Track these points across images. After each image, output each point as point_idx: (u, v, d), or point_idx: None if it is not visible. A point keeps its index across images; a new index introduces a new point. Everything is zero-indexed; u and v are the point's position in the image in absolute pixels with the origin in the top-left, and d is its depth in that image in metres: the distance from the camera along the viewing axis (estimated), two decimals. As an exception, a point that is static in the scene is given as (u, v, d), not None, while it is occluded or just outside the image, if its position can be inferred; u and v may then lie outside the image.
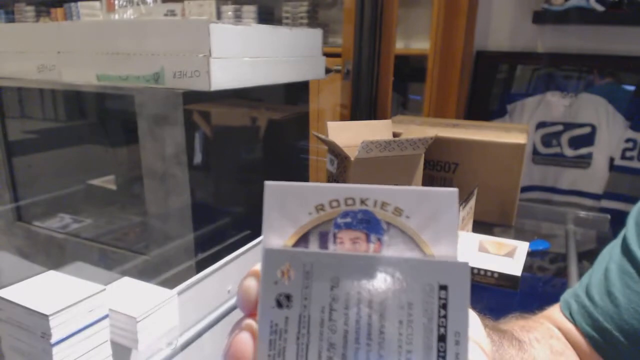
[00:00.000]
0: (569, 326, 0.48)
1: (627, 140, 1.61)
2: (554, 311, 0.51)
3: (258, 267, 0.21)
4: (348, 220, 0.21)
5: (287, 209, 0.21)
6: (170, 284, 0.70)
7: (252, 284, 0.21)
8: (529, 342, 0.42)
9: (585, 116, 1.67)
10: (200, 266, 0.88)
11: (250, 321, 0.21)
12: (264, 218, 0.21)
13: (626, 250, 0.46)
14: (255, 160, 1.13)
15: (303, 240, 0.21)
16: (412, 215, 0.21)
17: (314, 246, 0.21)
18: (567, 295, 0.51)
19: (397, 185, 0.21)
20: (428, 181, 1.15)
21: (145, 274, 1.00)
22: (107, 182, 1.15)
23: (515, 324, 0.48)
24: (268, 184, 0.21)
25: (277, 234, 0.21)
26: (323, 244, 0.21)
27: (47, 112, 1.21)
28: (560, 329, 0.49)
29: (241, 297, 0.22)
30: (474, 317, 0.26)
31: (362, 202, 0.21)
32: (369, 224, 0.21)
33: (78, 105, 1.18)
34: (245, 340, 0.21)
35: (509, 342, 0.37)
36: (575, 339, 0.48)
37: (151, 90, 0.90)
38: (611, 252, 0.49)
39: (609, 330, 0.45)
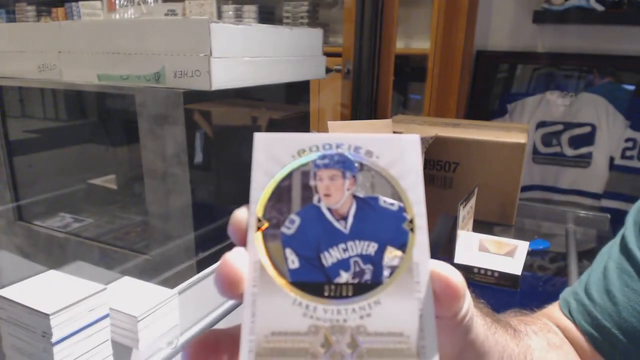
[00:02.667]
0: (568, 324, 0.49)
1: (627, 140, 1.61)
2: (553, 309, 0.52)
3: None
4: (326, 161, 0.23)
5: (273, 153, 0.23)
6: (170, 283, 0.70)
7: (243, 214, 0.23)
8: (525, 333, 0.43)
9: (585, 116, 1.67)
10: (201, 265, 0.88)
11: (241, 248, 0.22)
12: (253, 161, 0.23)
13: (625, 249, 0.47)
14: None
15: (287, 177, 0.23)
16: (381, 156, 0.24)
17: (296, 183, 0.23)
18: (566, 294, 0.51)
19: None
20: (429, 180, 1.15)
21: (146, 273, 1.00)
22: (107, 181, 1.15)
23: (513, 318, 0.48)
24: (257, 134, 0.24)
25: (265, 173, 0.23)
26: (305, 180, 0.23)
27: (47, 112, 1.21)
28: (559, 327, 0.49)
29: (232, 225, 0.23)
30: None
31: (338, 147, 0.24)
32: (344, 164, 0.23)
33: (79, 105, 1.18)
34: (236, 255, 0.21)
35: (504, 329, 0.37)
36: (574, 337, 0.48)
37: (152, 89, 0.90)
38: (610, 251, 0.49)
39: (607, 329, 0.45)
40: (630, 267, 0.45)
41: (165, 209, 0.94)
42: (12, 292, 0.56)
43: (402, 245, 0.22)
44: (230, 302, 0.80)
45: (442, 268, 0.22)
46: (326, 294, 0.21)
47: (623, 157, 1.62)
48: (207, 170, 0.97)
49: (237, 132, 1.08)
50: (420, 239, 0.22)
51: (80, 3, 1.40)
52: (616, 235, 0.51)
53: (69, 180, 1.21)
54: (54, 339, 0.53)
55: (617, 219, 1.25)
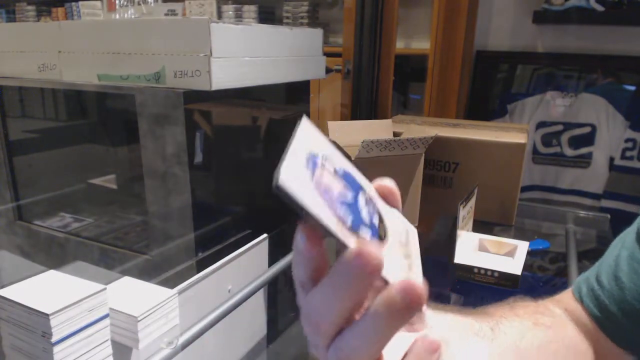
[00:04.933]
0: (576, 306, 0.51)
1: (627, 140, 1.61)
2: (566, 295, 0.54)
3: None
4: None
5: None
6: (170, 283, 0.70)
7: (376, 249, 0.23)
8: (501, 315, 0.45)
9: (585, 116, 1.67)
10: (201, 265, 0.88)
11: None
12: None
13: (639, 238, 0.48)
14: (256, 159, 1.13)
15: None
16: None
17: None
18: (579, 279, 0.54)
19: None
20: (429, 180, 1.15)
21: (146, 273, 1.00)
22: (107, 181, 1.15)
23: (502, 307, 0.49)
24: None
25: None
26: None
27: (48, 112, 1.21)
28: (567, 309, 0.51)
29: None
30: None
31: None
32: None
33: (79, 105, 1.18)
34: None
35: (464, 315, 0.40)
36: (579, 317, 0.50)
37: (152, 89, 0.90)
38: (624, 239, 0.51)
39: (613, 312, 0.47)
40: None
41: (165, 209, 0.94)
42: (12, 292, 0.56)
43: None
44: (230, 302, 0.80)
45: None
46: None
47: (623, 157, 1.62)
48: (207, 170, 0.97)
49: (237, 132, 1.08)
50: None
51: (80, 3, 1.40)
52: (619, 233, 0.52)
53: (69, 180, 1.21)
54: (54, 339, 0.53)
55: (617, 219, 1.25)
